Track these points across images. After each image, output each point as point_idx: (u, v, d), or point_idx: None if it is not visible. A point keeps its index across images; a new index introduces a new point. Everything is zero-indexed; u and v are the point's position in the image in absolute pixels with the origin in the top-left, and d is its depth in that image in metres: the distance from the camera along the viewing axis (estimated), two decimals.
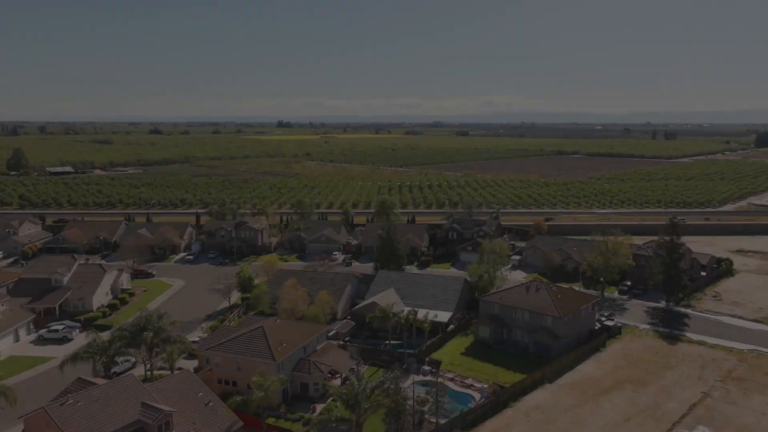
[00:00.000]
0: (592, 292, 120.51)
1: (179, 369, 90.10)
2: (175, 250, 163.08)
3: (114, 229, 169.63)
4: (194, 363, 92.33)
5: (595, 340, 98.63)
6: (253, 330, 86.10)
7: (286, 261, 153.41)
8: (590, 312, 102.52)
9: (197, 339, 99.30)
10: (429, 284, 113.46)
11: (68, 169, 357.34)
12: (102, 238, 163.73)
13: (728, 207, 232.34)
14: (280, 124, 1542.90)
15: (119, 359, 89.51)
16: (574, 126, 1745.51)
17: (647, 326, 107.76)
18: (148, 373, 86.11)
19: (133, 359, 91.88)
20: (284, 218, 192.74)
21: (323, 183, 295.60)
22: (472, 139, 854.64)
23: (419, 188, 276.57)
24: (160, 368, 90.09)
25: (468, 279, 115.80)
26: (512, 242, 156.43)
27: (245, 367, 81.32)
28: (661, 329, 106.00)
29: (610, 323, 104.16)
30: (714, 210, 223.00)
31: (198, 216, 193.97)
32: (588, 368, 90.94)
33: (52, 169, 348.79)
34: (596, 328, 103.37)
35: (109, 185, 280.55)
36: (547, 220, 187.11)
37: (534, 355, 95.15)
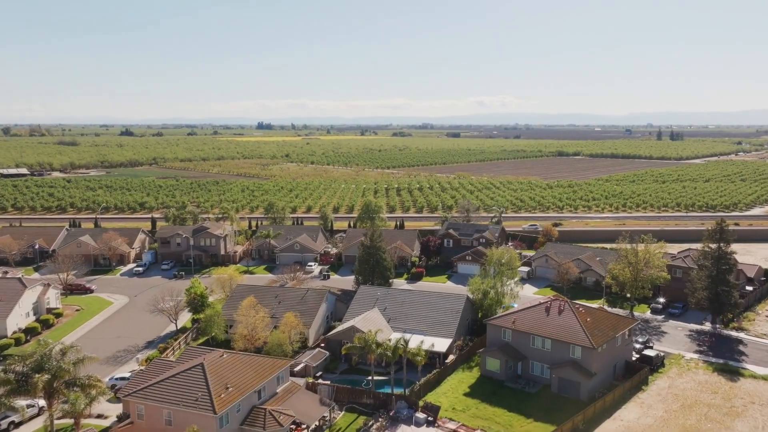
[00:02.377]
0: (618, 311, 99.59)
1: (100, 416, 71.63)
2: (123, 260, 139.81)
3: (53, 236, 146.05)
4: (119, 408, 72.38)
5: (636, 375, 77.74)
6: (190, 369, 66.38)
7: (252, 273, 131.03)
8: (627, 339, 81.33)
9: (128, 374, 77.97)
10: (422, 303, 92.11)
11: (23, 170, 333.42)
12: (37, 246, 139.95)
13: (757, 210, 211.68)
14: (260, 126, 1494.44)
15: (19, 405, 67.37)
16: (572, 127, 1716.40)
17: (694, 355, 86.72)
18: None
19: (40, 405, 70.15)
20: (254, 224, 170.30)
21: (302, 185, 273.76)
22: (465, 140, 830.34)
23: (408, 191, 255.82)
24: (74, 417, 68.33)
25: (470, 296, 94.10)
26: (518, 251, 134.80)
27: (177, 421, 62.76)
28: (713, 360, 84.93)
29: (650, 352, 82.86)
30: (741, 214, 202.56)
31: (154, 221, 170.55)
32: (631, 414, 70.98)
33: (5, 171, 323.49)
34: (633, 359, 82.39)
35: (63, 188, 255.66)
36: (555, 225, 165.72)
37: (558, 396, 74.93)
